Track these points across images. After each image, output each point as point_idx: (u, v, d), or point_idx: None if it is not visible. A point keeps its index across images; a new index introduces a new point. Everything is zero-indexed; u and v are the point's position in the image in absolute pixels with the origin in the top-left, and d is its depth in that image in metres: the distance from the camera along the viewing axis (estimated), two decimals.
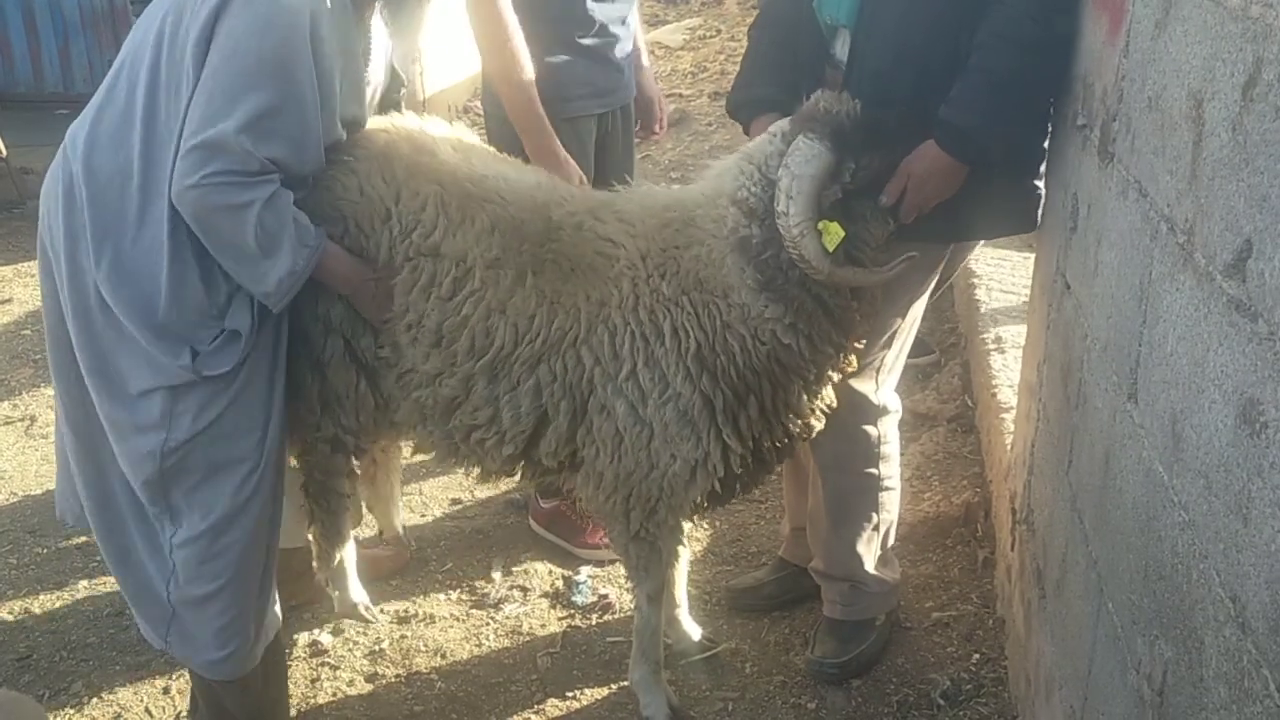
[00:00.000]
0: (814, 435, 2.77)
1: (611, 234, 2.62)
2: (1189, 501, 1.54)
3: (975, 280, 4.64)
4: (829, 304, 2.54)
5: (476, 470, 2.84)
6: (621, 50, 3.52)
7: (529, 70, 3.12)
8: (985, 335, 4.18)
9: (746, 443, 2.61)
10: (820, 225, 2.42)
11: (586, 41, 3.40)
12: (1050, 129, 2.73)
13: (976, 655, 3.10)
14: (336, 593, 3.17)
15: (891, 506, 3.08)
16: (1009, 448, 3.36)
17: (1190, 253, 1.58)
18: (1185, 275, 1.60)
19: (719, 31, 9.78)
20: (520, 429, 2.64)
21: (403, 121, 2.80)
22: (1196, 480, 1.51)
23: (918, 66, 2.59)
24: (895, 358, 2.95)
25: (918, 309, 2.93)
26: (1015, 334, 4.03)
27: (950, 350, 4.80)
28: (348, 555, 3.15)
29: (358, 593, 3.17)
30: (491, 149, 2.99)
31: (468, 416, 2.67)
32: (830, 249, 2.43)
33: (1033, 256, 3.12)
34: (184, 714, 3.01)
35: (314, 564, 3.14)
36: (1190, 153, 1.61)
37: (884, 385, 2.95)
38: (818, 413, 2.71)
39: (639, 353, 2.55)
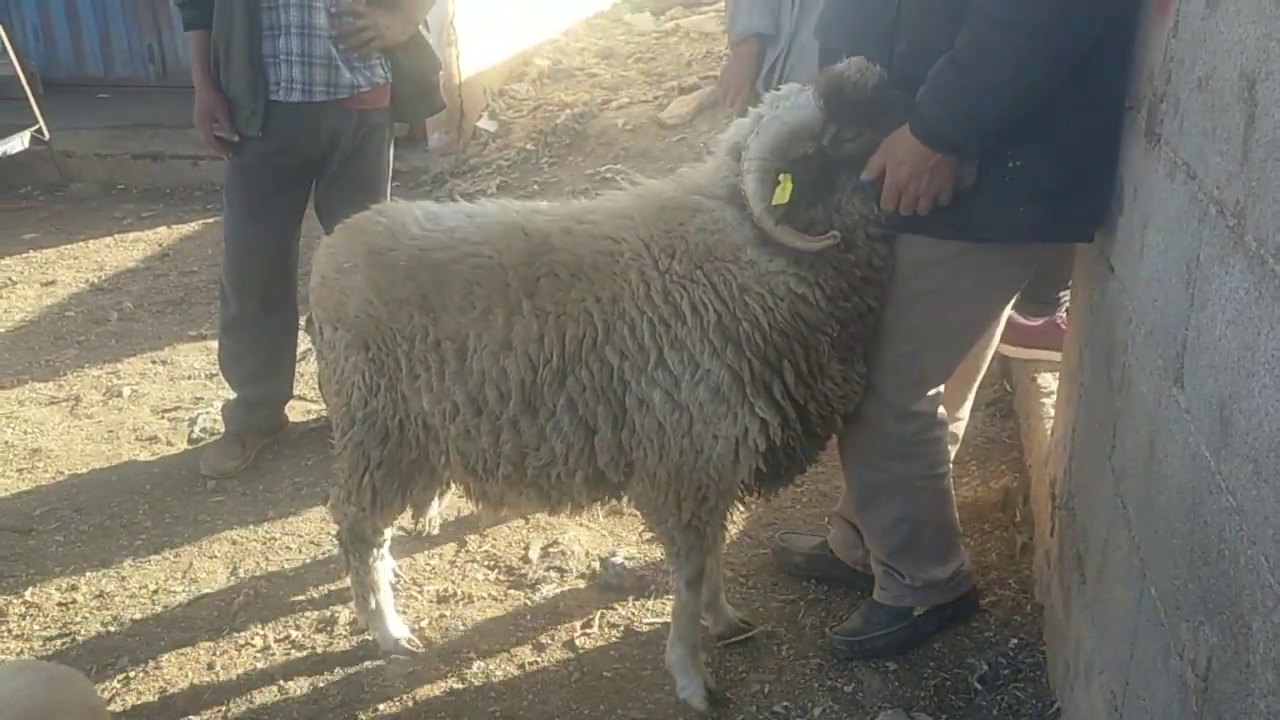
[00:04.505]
0: (854, 407, 2.72)
1: (608, 231, 2.62)
2: (1237, 487, 1.53)
3: None
4: (826, 252, 2.50)
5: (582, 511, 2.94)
6: None
7: None
8: None
9: (786, 414, 2.58)
10: (781, 177, 2.43)
11: None
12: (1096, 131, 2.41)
13: (1014, 640, 3.09)
14: (377, 633, 3.22)
15: (926, 506, 2.95)
16: (1049, 433, 3.33)
17: (1241, 235, 1.56)
18: (1235, 258, 1.58)
19: None
20: (574, 450, 2.65)
21: (367, 220, 2.87)
22: (1245, 465, 1.50)
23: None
24: (917, 362, 2.73)
25: (953, 320, 2.70)
26: None
27: None
28: (384, 596, 3.20)
29: (398, 628, 3.22)
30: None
31: (534, 458, 2.70)
32: (775, 201, 2.43)
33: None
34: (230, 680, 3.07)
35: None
36: (1242, 134, 1.58)
37: (906, 388, 2.76)
38: (855, 380, 2.67)
39: (662, 338, 2.55)
